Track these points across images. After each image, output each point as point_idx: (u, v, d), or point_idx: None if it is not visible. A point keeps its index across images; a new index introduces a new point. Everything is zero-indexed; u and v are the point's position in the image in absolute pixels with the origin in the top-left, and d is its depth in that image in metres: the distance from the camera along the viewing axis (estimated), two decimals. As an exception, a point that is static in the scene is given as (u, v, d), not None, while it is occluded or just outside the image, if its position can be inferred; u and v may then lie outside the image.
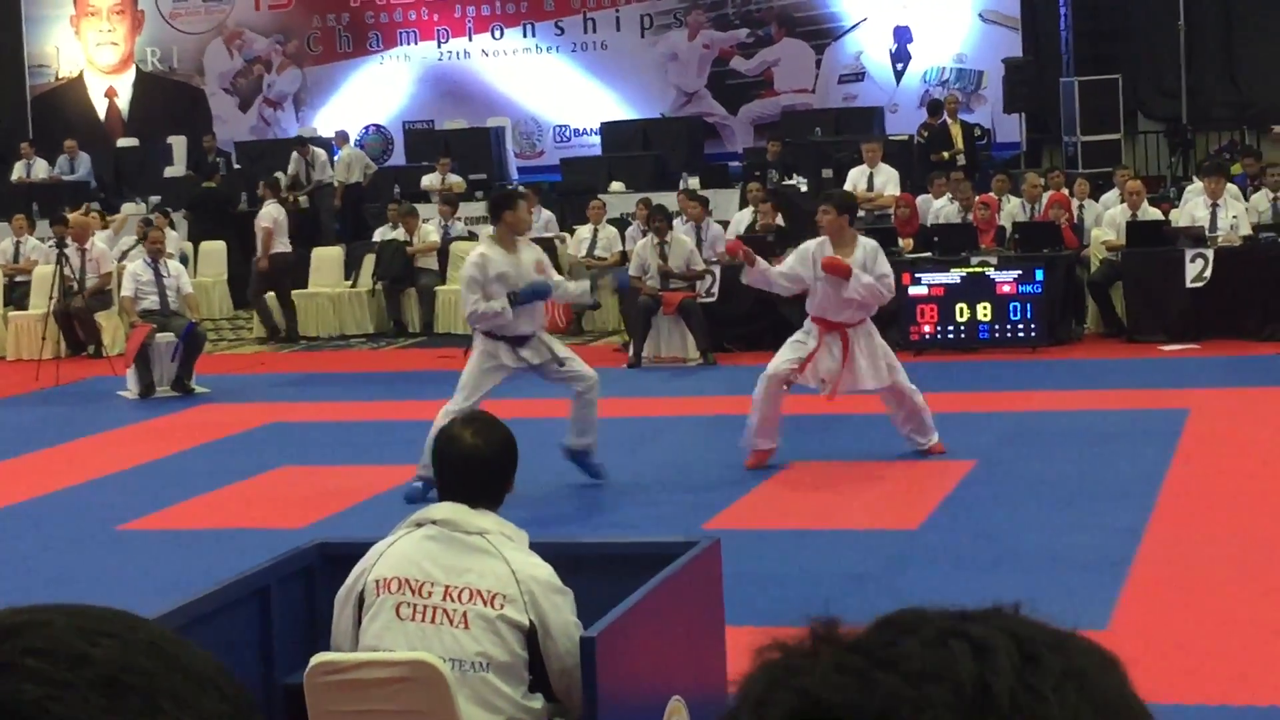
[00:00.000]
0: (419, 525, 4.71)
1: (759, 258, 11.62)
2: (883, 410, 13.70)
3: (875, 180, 19.95)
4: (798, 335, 11.55)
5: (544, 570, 4.64)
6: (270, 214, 20.60)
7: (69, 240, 19.50)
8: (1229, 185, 17.99)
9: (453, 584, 4.55)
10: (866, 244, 11.44)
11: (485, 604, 4.52)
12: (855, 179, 20.02)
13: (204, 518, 10.91)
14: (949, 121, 22.77)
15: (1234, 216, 17.17)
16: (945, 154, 22.22)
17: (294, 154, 25.00)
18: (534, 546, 4.81)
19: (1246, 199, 18.38)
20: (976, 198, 18.67)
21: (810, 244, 11.51)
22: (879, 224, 18.81)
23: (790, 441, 12.36)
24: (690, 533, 8.92)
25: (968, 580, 8.42)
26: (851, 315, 11.25)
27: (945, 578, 8.49)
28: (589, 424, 11.05)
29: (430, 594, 4.55)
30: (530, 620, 4.55)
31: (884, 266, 11.34)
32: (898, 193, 19.56)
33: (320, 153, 25.10)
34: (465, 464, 4.72)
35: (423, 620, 4.55)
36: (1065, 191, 18.94)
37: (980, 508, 10.10)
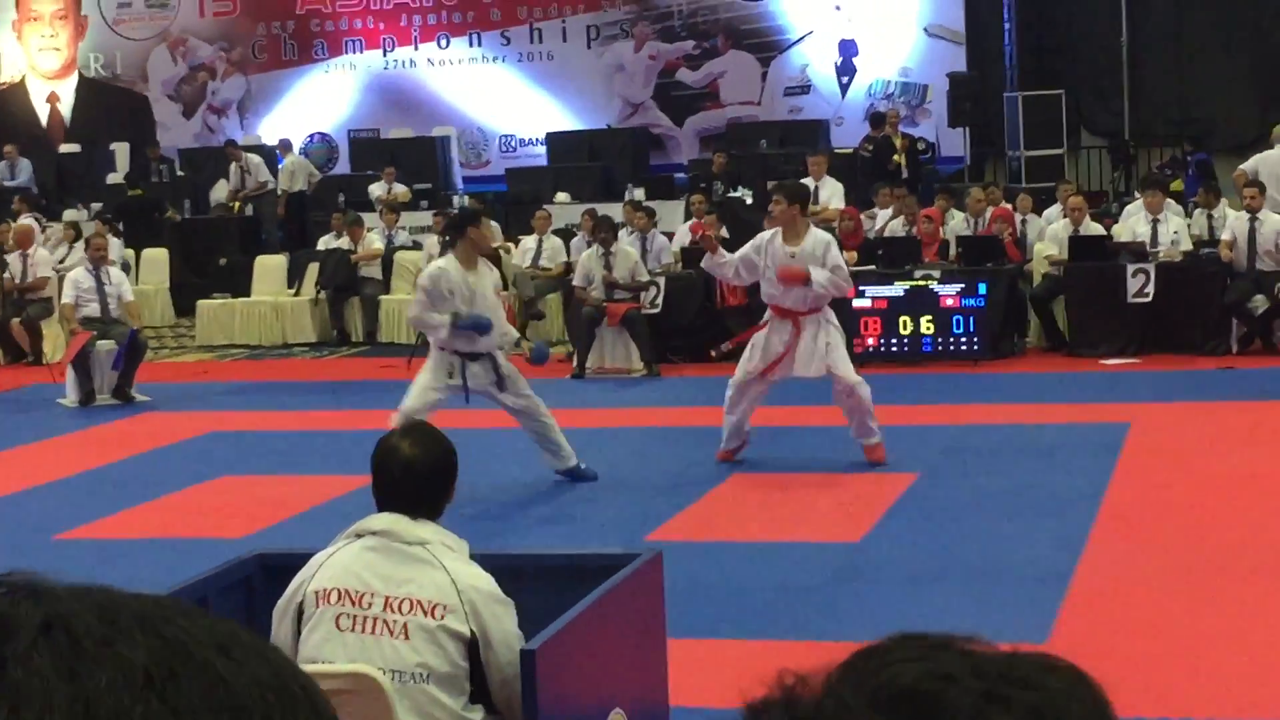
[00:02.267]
0: (358, 536, 4.68)
1: (721, 248, 12.01)
2: (824, 423, 13.74)
3: (820, 193, 19.98)
4: (755, 337, 11.78)
5: (485, 580, 4.62)
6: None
7: (12, 247, 19.38)
8: (1169, 201, 18.12)
9: (393, 594, 4.52)
10: (818, 235, 11.50)
11: (426, 614, 4.50)
12: None
13: (143, 527, 10.83)
14: (890, 134, 22.83)
15: (1175, 232, 17.29)
16: (895, 158, 22.28)
17: (231, 163, 24.88)
18: (476, 557, 4.79)
19: (1188, 214, 18.52)
20: (920, 211, 18.74)
21: (764, 234, 11.73)
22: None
23: (733, 453, 12.38)
24: (632, 544, 8.92)
25: (910, 593, 8.44)
26: (801, 303, 11.39)
27: (888, 590, 8.50)
28: (555, 444, 11.25)
29: (370, 605, 4.53)
30: (471, 630, 4.52)
31: (837, 258, 11.37)
32: (842, 205, 19.60)
33: (255, 158, 24.97)
34: (404, 474, 4.69)
35: (363, 631, 4.52)
36: (1008, 206, 19.03)
37: (922, 520, 10.12)
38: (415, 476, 4.68)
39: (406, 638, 4.48)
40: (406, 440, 4.76)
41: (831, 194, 19.97)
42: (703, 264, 12.58)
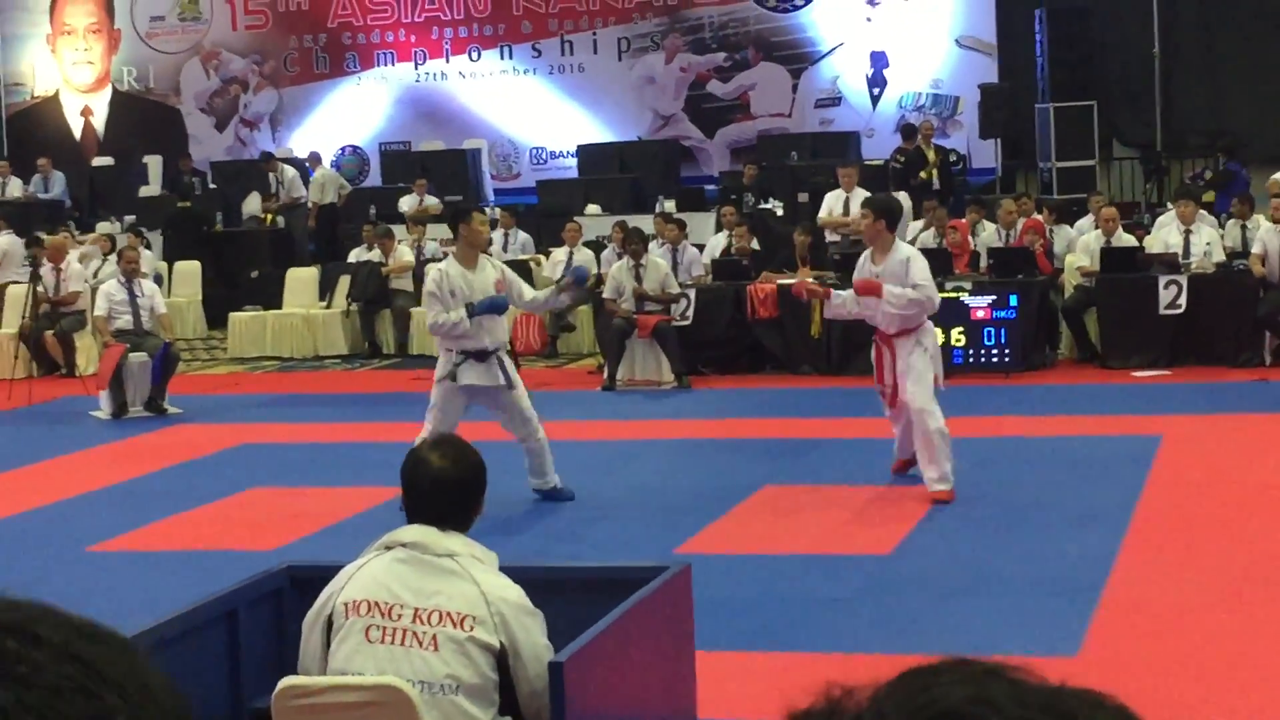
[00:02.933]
0: (388, 548, 4.69)
1: (831, 289, 11.91)
2: (854, 435, 13.73)
3: (851, 205, 19.95)
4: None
5: (514, 592, 4.62)
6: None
7: (44, 260, 19.46)
8: (1201, 212, 18.05)
9: (422, 606, 4.53)
10: (901, 251, 10.93)
11: (455, 626, 4.50)
12: (831, 203, 20.04)
13: (174, 539, 10.86)
14: (923, 146, 22.82)
15: (1207, 243, 17.23)
16: (923, 174, 22.26)
17: (269, 174, 25.01)
18: (505, 570, 4.79)
19: (1222, 225, 18.46)
20: (949, 222, 18.71)
21: (862, 256, 11.46)
22: (855, 249, 18.83)
23: (763, 465, 12.37)
24: (662, 557, 8.91)
25: (941, 606, 8.42)
26: (889, 325, 10.89)
27: (918, 603, 8.48)
28: (542, 466, 11.16)
29: (400, 616, 4.53)
30: (500, 642, 4.52)
31: (918, 275, 10.72)
32: None
33: (289, 170, 25.08)
34: (434, 486, 4.70)
35: (392, 643, 4.52)
36: (1039, 217, 18.98)
37: (953, 532, 10.10)
38: (444, 489, 4.69)
39: (436, 649, 4.49)
40: (436, 452, 4.77)
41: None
42: (825, 314, 12.91)
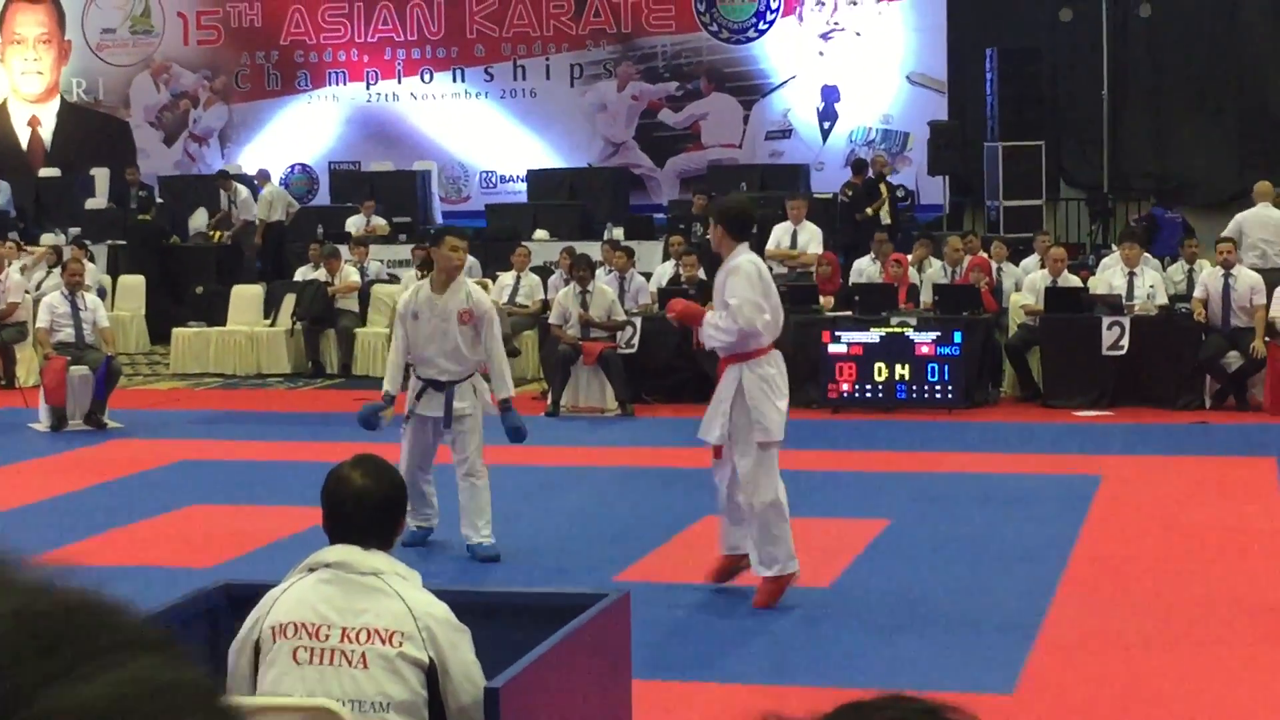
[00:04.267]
0: (311, 570, 4.67)
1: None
2: (795, 466, 13.73)
3: (799, 237, 20.02)
4: None
5: (440, 608, 4.60)
6: None
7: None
8: (1145, 255, 18.19)
9: (349, 625, 4.50)
10: (732, 260, 9.02)
11: (383, 643, 4.48)
12: (779, 236, 20.09)
13: (110, 554, 10.77)
14: (875, 181, 22.92)
15: (1151, 286, 17.35)
16: (869, 210, 22.36)
17: (220, 190, 24.95)
18: (442, 594, 4.76)
19: (1164, 269, 18.60)
20: (892, 256, 18.78)
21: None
22: (802, 281, 18.90)
23: (705, 495, 12.33)
24: (601, 584, 8.89)
25: (878, 640, 8.43)
26: (720, 350, 9.24)
27: (855, 636, 8.49)
28: (478, 513, 10.39)
29: (327, 636, 4.51)
30: (429, 657, 4.50)
31: (730, 290, 8.88)
32: (820, 251, 19.64)
33: (243, 189, 25.03)
34: (356, 504, 4.66)
35: (321, 663, 4.50)
36: (985, 255, 19.08)
37: (892, 567, 10.11)
38: (367, 507, 4.66)
39: (365, 667, 4.46)
40: (357, 471, 4.74)
41: (810, 238, 20.00)
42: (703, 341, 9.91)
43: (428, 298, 10.39)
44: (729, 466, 9.13)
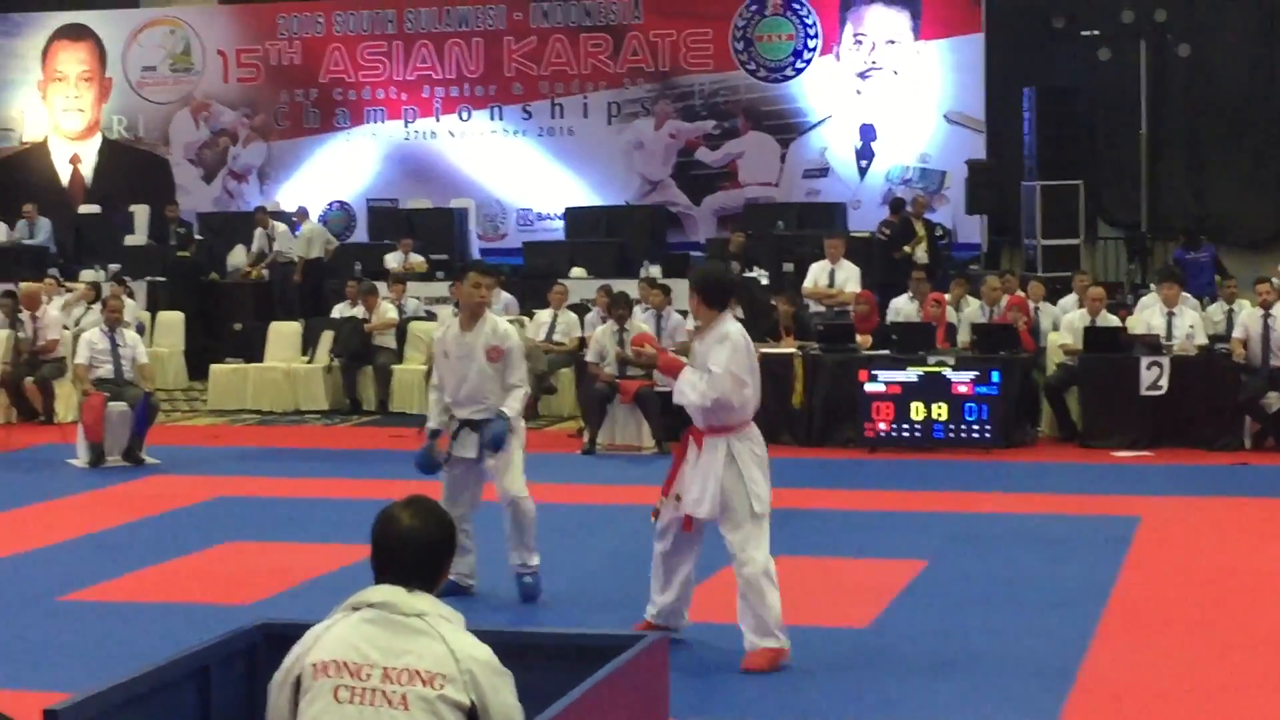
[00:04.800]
0: (355, 609, 4.66)
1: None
2: (836, 505, 13.68)
3: (836, 276, 20.02)
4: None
5: (483, 651, 4.59)
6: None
7: (22, 308, 19.45)
8: (1185, 295, 18.12)
9: (391, 665, 4.49)
10: (719, 329, 8.74)
11: (425, 684, 4.47)
12: (816, 274, 20.10)
13: (148, 591, 10.80)
14: (913, 220, 22.89)
15: (1190, 326, 17.28)
16: (906, 249, 22.33)
17: (257, 229, 25.06)
18: (481, 634, 4.75)
19: (1204, 308, 18.53)
20: (930, 296, 18.75)
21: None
22: (839, 319, 18.88)
23: (742, 534, 12.31)
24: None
25: (916, 682, 8.39)
26: (695, 417, 8.88)
27: (893, 678, 8.45)
28: (521, 534, 10.36)
29: (369, 676, 4.49)
30: (470, 700, 4.49)
31: (714, 358, 8.62)
32: (858, 289, 19.62)
33: (282, 227, 25.12)
34: (402, 545, 4.65)
35: (361, 702, 4.48)
36: (1023, 294, 19.04)
37: (929, 608, 10.07)
38: (413, 548, 4.64)
39: (406, 708, 4.45)
40: (407, 511, 4.72)
41: (847, 277, 19.99)
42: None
43: (455, 335, 10.35)
44: (684, 536, 9.01)
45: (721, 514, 8.72)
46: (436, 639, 4.51)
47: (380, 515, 4.72)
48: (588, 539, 12.42)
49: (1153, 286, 19.40)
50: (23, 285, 20.79)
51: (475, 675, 4.50)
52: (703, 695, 8.06)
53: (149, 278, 24.09)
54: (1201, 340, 17.23)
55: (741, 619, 8.72)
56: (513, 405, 10.32)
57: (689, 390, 8.64)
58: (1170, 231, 24.96)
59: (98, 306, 19.56)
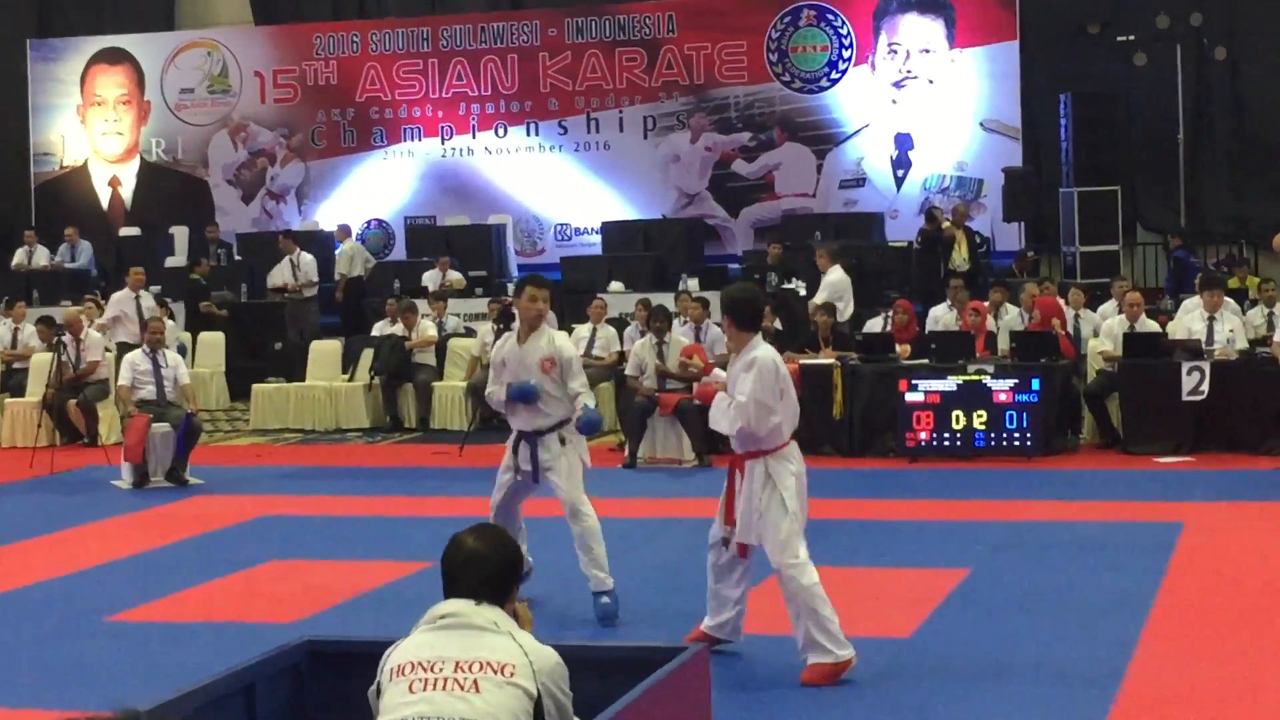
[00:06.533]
0: (430, 622, 4.79)
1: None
2: (873, 516, 13.67)
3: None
4: None
5: (551, 652, 4.77)
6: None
7: (65, 331, 19.61)
8: (1226, 299, 18.06)
9: (463, 658, 4.65)
10: (748, 354, 8.74)
11: (495, 672, 4.63)
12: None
13: (194, 610, 10.86)
14: (954, 228, 22.88)
15: (1230, 330, 17.22)
16: (953, 257, 22.33)
17: (285, 256, 24.54)
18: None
19: (1244, 313, 18.46)
20: (970, 304, 18.73)
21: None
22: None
23: (784, 546, 12.31)
24: (681, 638, 8.88)
25: (959, 691, 8.38)
26: (734, 442, 8.96)
27: (936, 687, 8.44)
28: (588, 563, 10.35)
29: (441, 669, 4.64)
30: (537, 690, 4.60)
31: (741, 385, 8.64)
32: (835, 301, 19.36)
33: (308, 257, 24.52)
34: (467, 564, 4.82)
35: (433, 690, 4.60)
36: (1049, 290, 18.94)
37: (972, 617, 10.06)
38: (478, 566, 4.80)
39: (477, 690, 4.59)
40: (472, 535, 4.91)
41: (826, 288, 19.85)
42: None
43: (513, 347, 10.45)
44: (739, 561, 9.04)
45: (764, 535, 8.71)
46: (507, 638, 4.70)
47: (450, 541, 4.89)
48: (630, 553, 12.43)
49: (1196, 289, 19.34)
50: (64, 311, 20.95)
51: (544, 670, 4.66)
52: (745, 707, 8.06)
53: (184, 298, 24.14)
54: (1242, 344, 17.17)
55: (795, 633, 8.68)
56: (589, 399, 10.43)
57: (720, 418, 8.73)
58: (1209, 236, 24.89)
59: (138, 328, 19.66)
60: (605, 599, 10.31)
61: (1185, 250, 23.19)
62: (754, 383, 8.55)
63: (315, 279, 24.55)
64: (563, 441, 10.36)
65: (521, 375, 10.32)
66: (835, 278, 20.05)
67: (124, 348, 18.26)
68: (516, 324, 10.69)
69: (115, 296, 19.38)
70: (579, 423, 10.32)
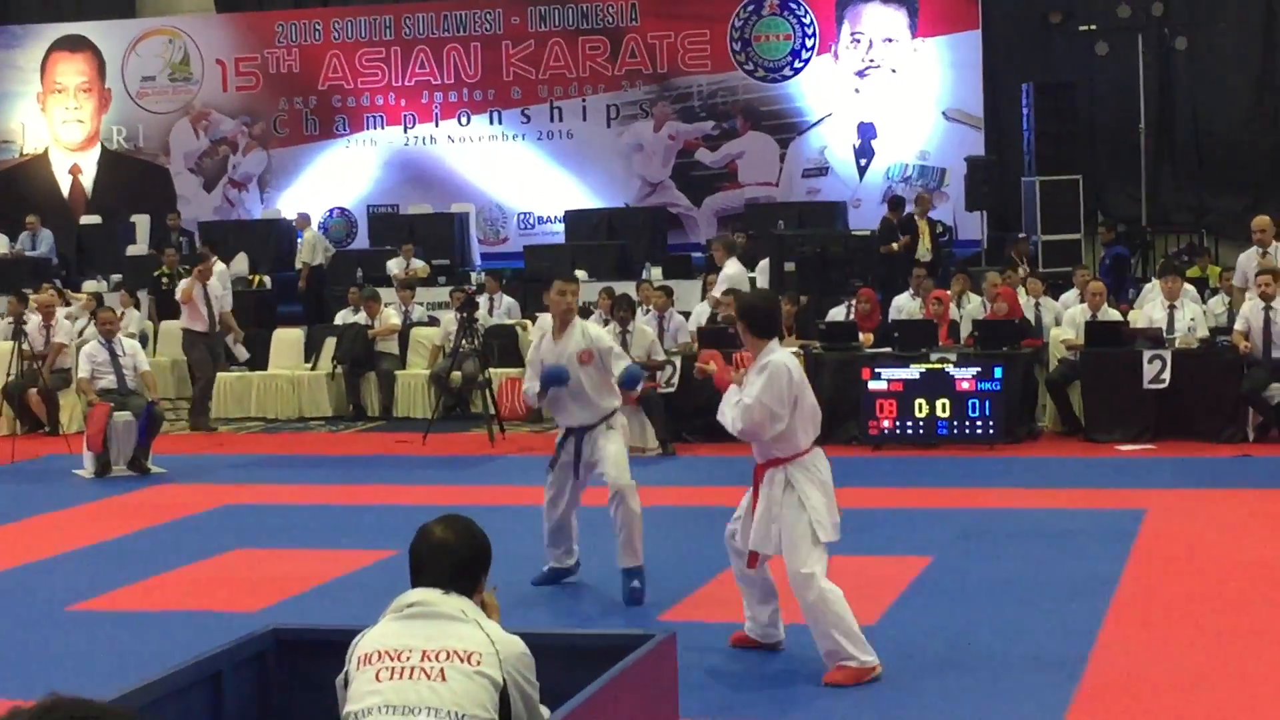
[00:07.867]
0: (397, 611, 4.79)
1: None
2: (840, 504, 13.68)
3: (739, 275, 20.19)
4: None
5: (517, 640, 4.78)
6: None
7: (28, 317, 19.49)
8: (1187, 288, 18.14)
9: (430, 647, 4.66)
10: (761, 359, 8.60)
11: (462, 661, 4.63)
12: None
13: (157, 600, 10.82)
14: (916, 217, 22.93)
15: (1191, 319, 17.30)
16: (895, 245, 22.36)
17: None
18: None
19: (1204, 301, 18.54)
20: (933, 293, 18.78)
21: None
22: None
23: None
24: (647, 625, 8.89)
25: (923, 678, 8.40)
26: (754, 451, 8.86)
27: (900, 675, 8.46)
28: (625, 542, 10.39)
29: (408, 658, 4.65)
30: (503, 678, 4.61)
31: (752, 389, 8.52)
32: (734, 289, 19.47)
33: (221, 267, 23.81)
34: (435, 553, 4.85)
35: (400, 679, 4.60)
36: (1009, 287, 19.00)
37: (935, 604, 10.09)
38: (444, 556, 4.82)
39: (444, 679, 4.59)
40: (440, 525, 4.94)
41: (724, 281, 19.92)
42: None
43: (549, 345, 10.50)
44: (760, 574, 8.97)
45: (783, 544, 8.56)
46: (474, 626, 4.70)
47: (417, 531, 4.93)
48: (593, 540, 12.41)
49: (1154, 279, 19.42)
50: (36, 295, 20.82)
51: (510, 659, 4.67)
52: (711, 694, 8.08)
53: (150, 289, 24.03)
54: (1203, 333, 17.25)
55: (814, 639, 8.54)
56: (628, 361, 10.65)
57: (726, 411, 8.64)
58: (1170, 225, 25.01)
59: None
60: (636, 581, 10.36)
61: (1121, 245, 23.29)
62: (762, 386, 8.45)
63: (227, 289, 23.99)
64: (608, 427, 10.49)
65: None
66: (732, 271, 20.15)
67: (190, 335, 19.06)
68: (547, 320, 10.73)
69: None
70: (622, 376, 10.46)
